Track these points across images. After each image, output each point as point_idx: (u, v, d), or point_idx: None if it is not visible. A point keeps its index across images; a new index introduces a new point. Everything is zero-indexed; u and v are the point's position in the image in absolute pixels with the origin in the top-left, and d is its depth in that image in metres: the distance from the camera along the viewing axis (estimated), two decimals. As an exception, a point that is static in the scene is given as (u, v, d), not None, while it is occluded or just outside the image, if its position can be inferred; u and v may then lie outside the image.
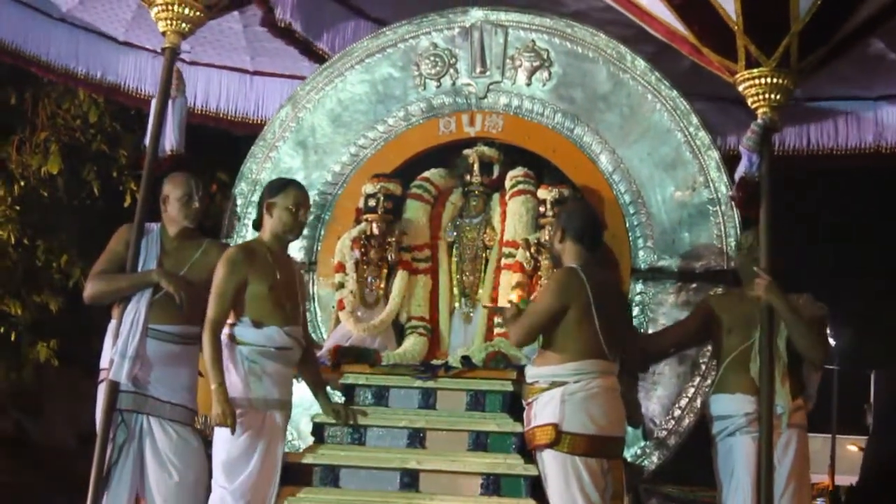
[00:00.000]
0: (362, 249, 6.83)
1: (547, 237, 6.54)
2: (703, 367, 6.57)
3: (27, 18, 7.97)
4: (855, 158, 8.19)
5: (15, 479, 13.49)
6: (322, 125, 7.36)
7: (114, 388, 6.11)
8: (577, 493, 5.70)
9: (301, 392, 6.51)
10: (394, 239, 6.85)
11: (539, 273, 6.56)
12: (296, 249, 6.99)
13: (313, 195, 7.11)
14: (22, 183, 12.10)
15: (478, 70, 7.18)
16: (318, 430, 6.27)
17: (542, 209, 6.71)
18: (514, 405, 6.14)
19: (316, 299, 7.08)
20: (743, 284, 6.35)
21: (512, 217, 6.81)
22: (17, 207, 12.07)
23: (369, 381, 6.34)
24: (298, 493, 6.05)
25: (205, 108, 8.53)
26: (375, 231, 6.85)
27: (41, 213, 12.57)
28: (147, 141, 6.61)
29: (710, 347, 6.52)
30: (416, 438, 6.14)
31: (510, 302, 6.15)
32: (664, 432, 6.55)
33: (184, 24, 6.71)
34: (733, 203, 6.52)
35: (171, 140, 6.63)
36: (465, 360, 6.26)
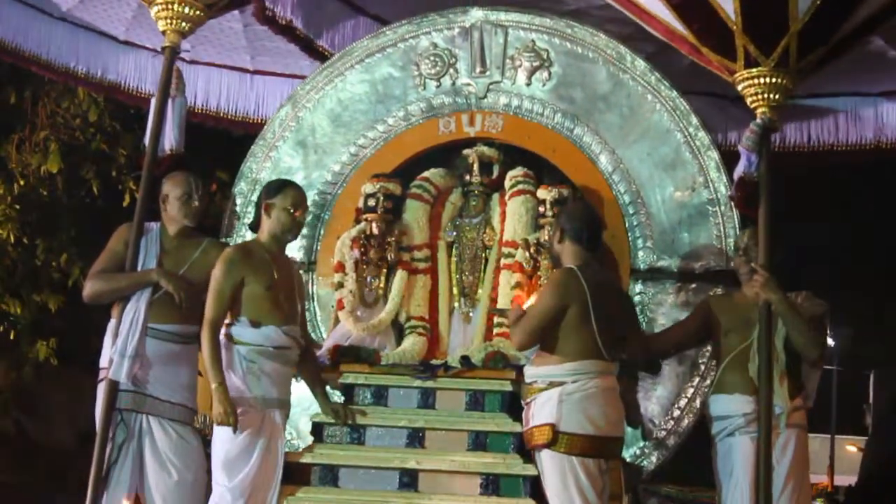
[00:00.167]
0: (362, 249, 6.83)
1: (546, 237, 6.54)
2: (703, 367, 6.57)
3: (27, 17, 7.98)
4: (855, 155, 8.18)
5: (14, 478, 13.48)
6: (322, 125, 7.37)
7: (113, 387, 6.12)
8: (575, 493, 5.71)
9: (300, 392, 6.51)
10: (393, 239, 6.85)
11: (538, 273, 6.56)
12: (295, 249, 7.00)
13: (313, 195, 7.12)
14: (21, 182, 12.08)
15: (478, 70, 7.18)
16: (317, 430, 6.28)
17: (541, 209, 6.71)
18: (514, 405, 6.14)
19: (315, 299, 7.09)
20: (742, 285, 6.36)
21: (511, 217, 6.80)
22: (17, 206, 12.04)
23: (368, 381, 6.34)
24: (297, 492, 6.06)
25: (205, 108, 8.53)
26: (375, 231, 6.86)
27: (41, 212, 12.55)
28: (147, 140, 6.61)
29: (709, 348, 6.52)
30: (416, 438, 6.14)
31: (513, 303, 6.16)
32: (663, 432, 6.56)
33: (184, 24, 6.72)
34: (732, 203, 6.52)
35: (170, 139, 6.63)
36: (465, 359, 6.27)
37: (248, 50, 8.37)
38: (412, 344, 6.67)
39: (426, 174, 7.11)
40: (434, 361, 6.47)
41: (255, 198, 6.77)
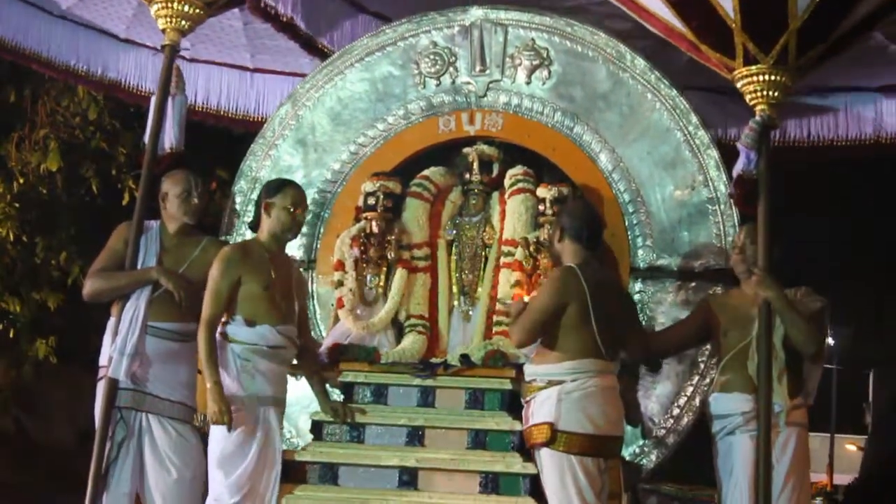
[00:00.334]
0: (361, 248, 6.83)
1: (546, 236, 6.54)
2: (702, 365, 6.57)
3: (28, 15, 7.97)
4: (855, 150, 8.15)
5: (14, 476, 13.49)
6: (322, 123, 7.37)
7: (113, 385, 6.13)
8: (573, 492, 5.71)
9: (299, 390, 6.52)
10: (393, 237, 6.85)
11: (538, 272, 6.56)
12: (295, 247, 7.00)
13: (313, 193, 7.12)
14: (21, 180, 12.08)
15: (477, 68, 7.18)
16: (316, 428, 6.28)
17: (541, 208, 6.71)
18: (513, 403, 6.15)
19: (315, 297, 7.09)
20: (741, 283, 6.36)
21: (511, 215, 6.80)
22: (17, 205, 12.05)
23: (368, 379, 6.35)
24: (297, 490, 6.06)
25: (205, 106, 8.53)
26: (375, 229, 6.86)
27: (40, 210, 12.56)
28: (147, 138, 6.61)
29: (708, 346, 6.52)
30: (415, 436, 6.14)
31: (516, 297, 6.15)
32: (663, 431, 6.56)
33: (183, 22, 6.72)
34: (731, 200, 6.52)
35: (170, 137, 6.63)
36: (464, 358, 6.27)
37: (248, 48, 8.37)
38: (412, 342, 6.66)
39: (426, 172, 7.10)
40: (434, 360, 6.47)
41: (254, 196, 6.78)
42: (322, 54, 7.89)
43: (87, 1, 7.94)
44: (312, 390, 6.31)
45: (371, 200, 6.88)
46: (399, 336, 6.80)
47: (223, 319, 6.00)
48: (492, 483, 5.95)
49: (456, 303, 6.92)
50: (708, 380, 6.48)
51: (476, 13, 7.20)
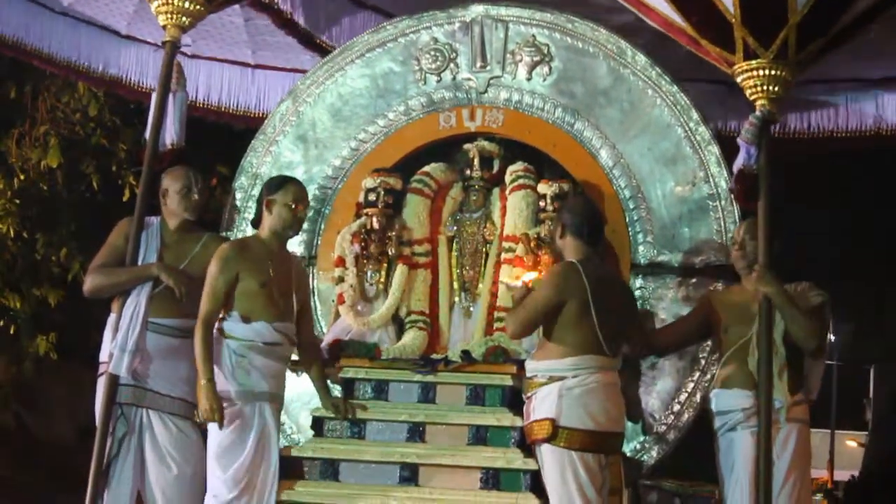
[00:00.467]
0: (362, 244, 6.84)
1: (546, 232, 6.55)
2: (703, 361, 6.57)
3: (29, 12, 7.97)
4: (855, 141, 8.13)
5: (14, 472, 13.50)
6: (322, 119, 7.37)
7: (113, 381, 6.13)
8: (574, 488, 5.71)
9: (300, 386, 6.52)
10: (394, 233, 6.85)
11: (539, 268, 6.56)
12: (296, 243, 7.00)
13: (313, 189, 7.13)
14: (21, 176, 12.08)
15: (478, 65, 7.18)
16: (317, 424, 6.28)
17: (542, 204, 6.72)
18: (514, 399, 6.15)
19: (316, 293, 7.08)
20: (742, 279, 6.35)
21: (512, 212, 6.81)
22: (17, 201, 12.06)
23: (369, 376, 6.35)
24: (297, 486, 6.05)
25: (206, 102, 8.53)
26: (375, 225, 6.86)
27: (40, 206, 12.56)
28: (147, 134, 6.61)
29: (709, 342, 6.52)
30: (416, 432, 6.14)
31: (524, 283, 6.15)
32: (663, 427, 6.56)
33: (184, 18, 6.71)
34: (732, 196, 6.52)
35: (171, 134, 6.63)
36: (465, 354, 6.27)
37: (249, 44, 8.37)
38: (412, 338, 6.67)
39: (426, 169, 7.11)
40: (434, 356, 6.48)
41: (255, 192, 6.79)
42: (322, 50, 7.89)
43: (89, -3, 7.96)
44: (314, 386, 6.31)
45: (372, 196, 6.88)
46: (400, 332, 6.81)
47: (221, 315, 6.01)
48: (492, 479, 5.95)
49: (457, 299, 6.92)
50: (709, 376, 6.48)
51: (477, 9, 7.20)
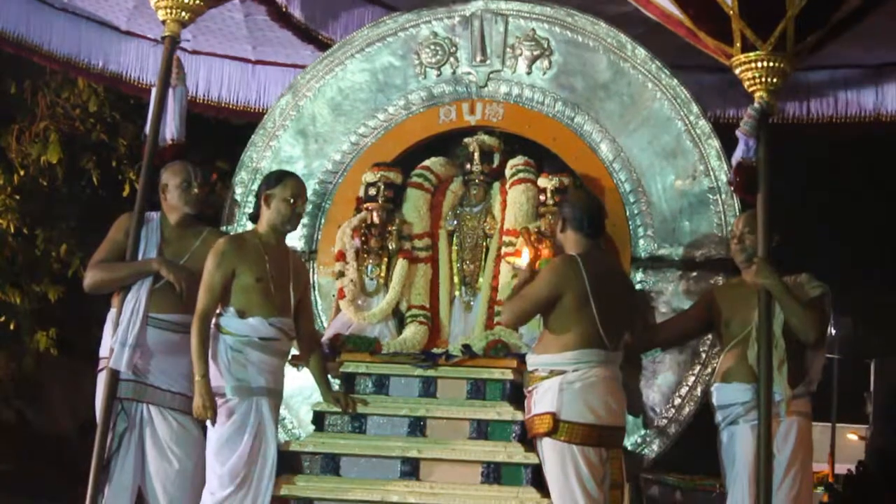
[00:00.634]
0: (363, 238, 6.84)
1: (546, 226, 6.55)
2: (704, 355, 6.57)
3: (29, 8, 7.95)
4: (854, 127, 8.07)
5: (16, 467, 13.52)
6: (322, 114, 7.36)
7: (114, 376, 6.13)
8: (575, 482, 5.71)
9: (301, 381, 6.52)
10: (394, 228, 6.86)
11: (540, 249, 6.55)
12: (296, 238, 7.01)
13: (314, 184, 7.13)
14: (21, 172, 12.10)
15: (478, 59, 7.17)
16: (318, 419, 6.28)
17: (542, 198, 6.72)
18: (515, 393, 6.14)
19: (316, 288, 7.09)
20: (741, 272, 6.35)
21: (512, 206, 6.80)
22: (17, 196, 12.07)
23: (370, 370, 6.34)
24: (298, 480, 6.06)
25: (206, 98, 8.51)
26: (376, 220, 6.86)
27: (40, 202, 12.58)
28: (147, 129, 6.61)
29: (710, 336, 6.52)
30: (417, 427, 6.14)
31: (529, 265, 6.15)
32: (664, 421, 6.56)
33: (183, 13, 6.72)
34: (731, 188, 6.51)
35: (171, 129, 6.64)
36: (466, 348, 6.27)
37: (249, 40, 8.35)
38: (413, 333, 6.67)
39: (427, 163, 7.11)
40: (435, 350, 6.47)
41: (255, 187, 6.77)
42: (322, 45, 7.88)
43: (88, -7, 7.94)
44: (314, 380, 6.31)
45: (372, 191, 6.88)
46: (400, 327, 6.81)
47: (218, 311, 6.01)
48: (493, 473, 5.94)
49: (457, 293, 6.92)
50: (710, 369, 6.48)
51: (476, 3, 7.20)
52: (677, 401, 6.56)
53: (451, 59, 7.22)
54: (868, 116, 7.92)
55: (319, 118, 7.36)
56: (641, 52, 6.91)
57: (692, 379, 6.57)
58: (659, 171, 6.83)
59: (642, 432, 6.56)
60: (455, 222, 7.01)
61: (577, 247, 5.99)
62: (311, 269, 7.08)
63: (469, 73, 7.19)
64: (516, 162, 6.93)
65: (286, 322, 6.06)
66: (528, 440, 5.95)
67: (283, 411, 6.66)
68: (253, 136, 7.42)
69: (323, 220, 7.20)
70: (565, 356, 5.80)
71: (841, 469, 26.21)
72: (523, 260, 6.18)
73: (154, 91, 6.69)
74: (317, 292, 7.08)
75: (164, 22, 6.75)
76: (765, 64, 6.12)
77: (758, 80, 6.16)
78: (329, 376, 6.36)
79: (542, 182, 6.74)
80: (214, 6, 7.02)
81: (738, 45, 6.14)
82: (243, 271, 5.97)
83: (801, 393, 6.17)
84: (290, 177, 6.25)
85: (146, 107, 6.85)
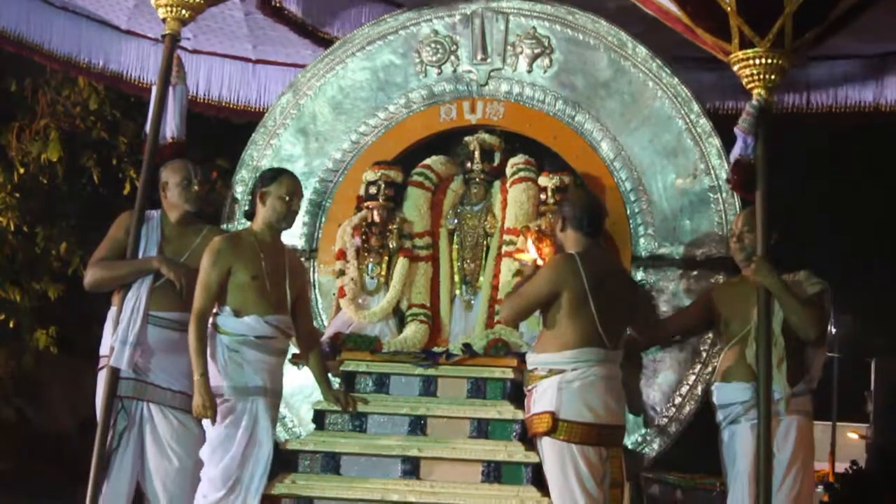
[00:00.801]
0: (363, 237, 6.83)
1: (547, 224, 6.54)
2: (704, 354, 6.57)
3: (29, 7, 7.94)
4: (854, 117, 8.03)
5: (16, 465, 13.52)
6: (323, 112, 7.36)
7: (114, 374, 6.13)
8: (574, 481, 5.70)
9: (301, 379, 6.52)
10: (394, 226, 6.85)
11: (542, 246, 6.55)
12: (297, 237, 7.02)
13: (314, 182, 7.14)
14: (21, 170, 12.08)
15: (479, 57, 7.17)
16: (318, 417, 6.27)
17: (543, 196, 6.72)
18: (516, 392, 6.14)
19: (317, 286, 7.09)
20: (741, 271, 6.35)
21: (513, 204, 6.80)
22: (17, 194, 12.06)
23: (370, 369, 6.34)
24: (299, 479, 6.05)
25: (207, 97, 8.51)
26: (376, 218, 6.86)
27: (41, 200, 12.57)
28: (148, 128, 6.60)
29: (710, 334, 6.52)
30: (417, 426, 6.14)
31: (533, 262, 6.15)
32: (665, 420, 6.56)
33: (184, 11, 6.71)
34: (729, 185, 6.50)
35: (171, 127, 6.63)
36: (466, 347, 6.27)
37: (249, 39, 8.35)
38: (413, 332, 6.67)
39: (427, 161, 7.10)
40: (435, 349, 6.47)
41: (255, 185, 6.77)
42: (323, 44, 7.87)
43: (89, -8, 7.94)
44: (315, 379, 6.30)
45: (372, 189, 6.88)
46: (401, 325, 6.81)
47: (215, 310, 6.00)
48: (494, 472, 5.94)
49: (458, 292, 6.92)
50: (710, 368, 6.49)
51: (477, 2, 7.19)
52: (678, 399, 6.56)
53: (452, 58, 7.22)
54: (868, 107, 7.90)
55: (320, 117, 7.36)
56: (642, 50, 6.91)
57: (693, 378, 6.56)
58: (660, 169, 6.83)
59: (643, 431, 6.56)
60: (456, 221, 7.01)
61: (576, 245, 5.99)
62: (312, 268, 7.08)
63: (470, 72, 7.19)
64: (517, 160, 6.93)
65: (283, 320, 6.05)
66: (528, 439, 5.95)
67: (283, 410, 6.65)
68: (254, 135, 7.42)
69: (323, 219, 7.20)
70: (564, 355, 5.79)
71: (841, 468, 26.22)
72: (529, 256, 6.18)
73: (154, 89, 6.69)
74: (317, 291, 7.08)
75: (164, 20, 6.74)
76: (763, 61, 6.10)
77: (756, 77, 6.15)
78: (329, 375, 6.36)
79: (543, 181, 6.74)
80: (214, 4, 7.01)
81: (736, 41, 6.13)
82: (239, 269, 5.96)
83: (802, 391, 6.17)
84: (286, 174, 6.23)
85: (147, 105, 6.84)
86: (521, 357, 6.10)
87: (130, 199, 6.69)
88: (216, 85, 8.53)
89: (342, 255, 6.84)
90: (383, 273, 6.83)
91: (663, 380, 6.60)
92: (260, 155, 7.35)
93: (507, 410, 6.07)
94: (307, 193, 7.07)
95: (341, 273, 6.82)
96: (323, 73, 7.39)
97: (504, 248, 6.76)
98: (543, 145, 7.02)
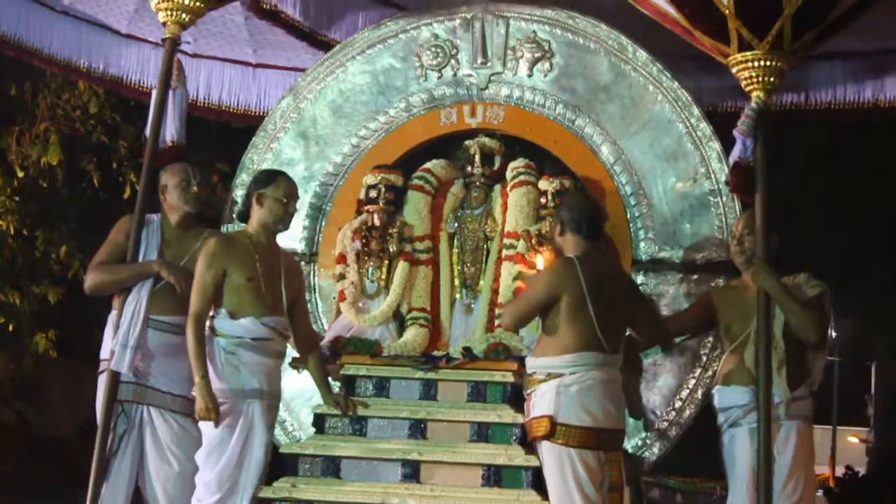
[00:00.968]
0: (363, 240, 6.83)
1: (547, 228, 6.54)
2: (704, 357, 6.57)
3: (30, 11, 7.95)
4: (853, 114, 8.01)
5: (16, 468, 13.51)
6: (323, 116, 7.36)
7: (115, 378, 6.13)
8: (573, 485, 5.69)
9: (302, 383, 6.51)
10: (395, 230, 6.85)
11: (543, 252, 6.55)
12: (297, 240, 7.03)
13: (314, 186, 7.15)
14: (21, 173, 12.08)
15: (479, 61, 7.18)
16: (319, 421, 6.27)
17: (543, 200, 6.72)
18: (516, 396, 6.14)
19: (317, 290, 7.09)
20: (742, 274, 6.34)
21: (513, 208, 6.80)
22: (17, 198, 12.06)
23: (370, 373, 6.34)
24: (299, 483, 6.05)
25: (207, 101, 8.51)
26: (377, 222, 6.86)
27: (41, 203, 12.57)
28: (148, 131, 6.60)
29: (710, 338, 6.52)
30: (417, 429, 6.14)
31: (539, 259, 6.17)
32: (665, 424, 6.56)
33: (184, 15, 6.71)
34: (728, 188, 6.50)
35: (171, 131, 6.63)
36: (467, 351, 6.27)
37: (250, 43, 8.36)
38: (414, 335, 6.67)
39: (427, 165, 7.11)
40: (436, 353, 6.47)
41: (257, 189, 6.77)
42: (323, 48, 7.87)
43: (89, -5, 7.95)
44: (314, 383, 6.30)
45: (373, 193, 6.88)
46: (401, 329, 6.80)
47: (212, 313, 5.99)
48: (494, 476, 5.94)
49: (458, 296, 6.92)
50: (710, 372, 6.49)
51: (477, 5, 7.19)
52: (678, 403, 6.56)
53: (452, 62, 7.23)
54: (866, 103, 7.88)
55: (320, 120, 7.36)
56: (642, 54, 6.92)
57: (693, 381, 6.57)
58: (660, 173, 6.83)
59: (643, 435, 6.56)
60: (456, 225, 7.01)
61: (575, 249, 5.98)
62: (312, 272, 7.08)
63: (470, 76, 7.19)
64: (517, 164, 6.93)
65: (279, 321, 6.03)
66: (528, 443, 5.94)
67: (283, 413, 6.66)
68: (254, 139, 7.43)
69: (324, 223, 7.20)
70: (562, 359, 5.78)
71: (842, 472, 26.22)
72: (539, 264, 6.19)
73: (154, 93, 6.69)
74: (317, 295, 7.08)
75: (164, 24, 6.74)
76: (762, 63, 6.11)
77: (755, 80, 6.16)
78: (329, 379, 6.35)
79: (543, 184, 6.74)
80: (215, 8, 7.01)
81: (735, 44, 6.14)
82: (234, 271, 5.95)
83: (803, 395, 6.16)
84: (282, 176, 6.21)
85: (147, 108, 6.84)
86: (522, 361, 6.09)
87: (130, 203, 6.69)
88: (216, 89, 8.54)
89: (342, 258, 6.84)
90: (383, 277, 6.83)
91: (664, 383, 6.61)
92: (260, 159, 7.35)
93: (507, 414, 6.07)
94: (307, 197, 7.07)
95: (341, 277, 6.81)
96: (323, 76, 7.39)
97: (504, 252, 6.75)
98: (544, 149, 7.03)
